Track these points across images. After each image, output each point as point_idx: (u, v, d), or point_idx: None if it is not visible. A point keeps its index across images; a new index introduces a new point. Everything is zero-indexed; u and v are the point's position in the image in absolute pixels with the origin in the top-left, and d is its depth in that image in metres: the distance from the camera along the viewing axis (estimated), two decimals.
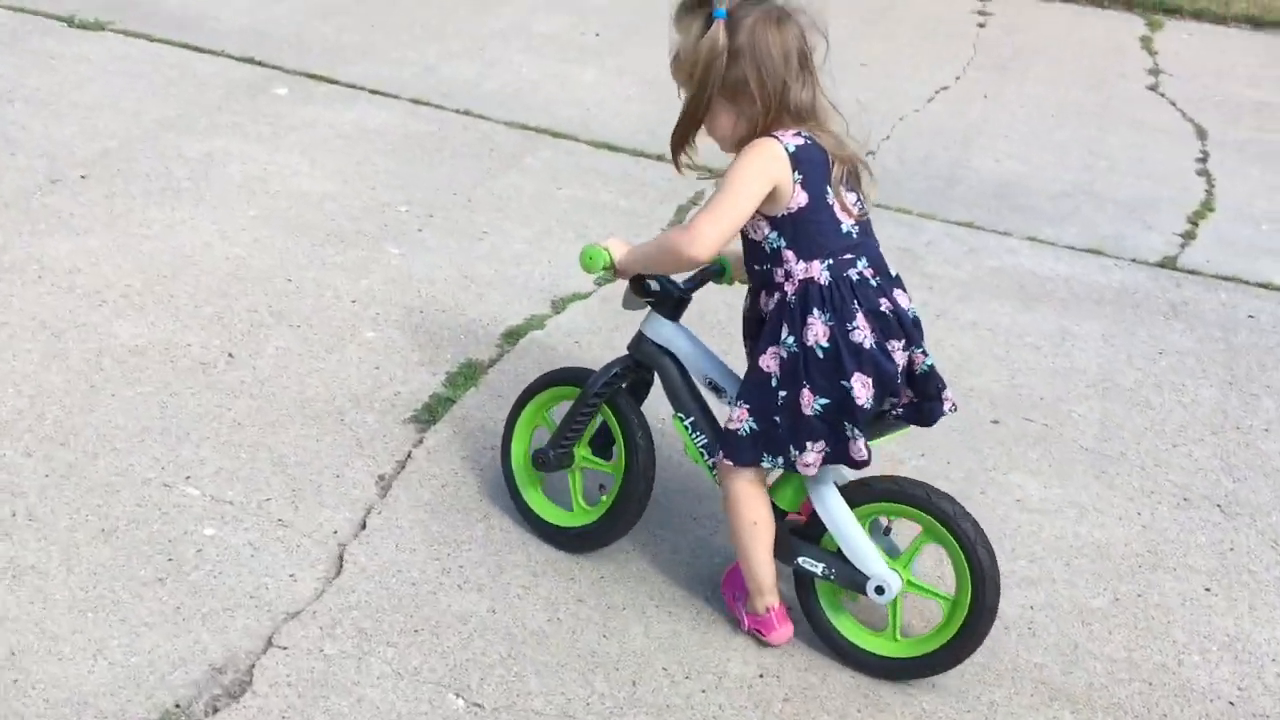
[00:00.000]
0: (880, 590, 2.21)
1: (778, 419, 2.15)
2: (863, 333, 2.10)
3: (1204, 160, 5.12)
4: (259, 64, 5.05)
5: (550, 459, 2.48)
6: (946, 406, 2.20)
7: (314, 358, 3.09)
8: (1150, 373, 3.41)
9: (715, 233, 2.11)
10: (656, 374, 2.41)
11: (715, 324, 3.29)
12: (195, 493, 2.57)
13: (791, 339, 2.12)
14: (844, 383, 2.09)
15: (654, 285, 2.34)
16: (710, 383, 2.36)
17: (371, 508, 2.59)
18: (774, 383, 2.15)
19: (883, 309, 2.12)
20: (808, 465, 2.15)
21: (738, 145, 2.15)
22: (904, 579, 2.24)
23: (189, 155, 4.14)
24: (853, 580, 2.24)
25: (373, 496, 2.62)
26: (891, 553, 2.28)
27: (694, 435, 2.34)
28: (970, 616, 2.19)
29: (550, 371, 2.59)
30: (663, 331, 2.37)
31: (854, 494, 2.25)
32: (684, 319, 2.42)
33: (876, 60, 6.05)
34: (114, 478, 2.58)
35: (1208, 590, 2.59)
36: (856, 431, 2.11)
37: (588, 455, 2.52)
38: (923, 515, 2.21)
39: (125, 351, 3.02)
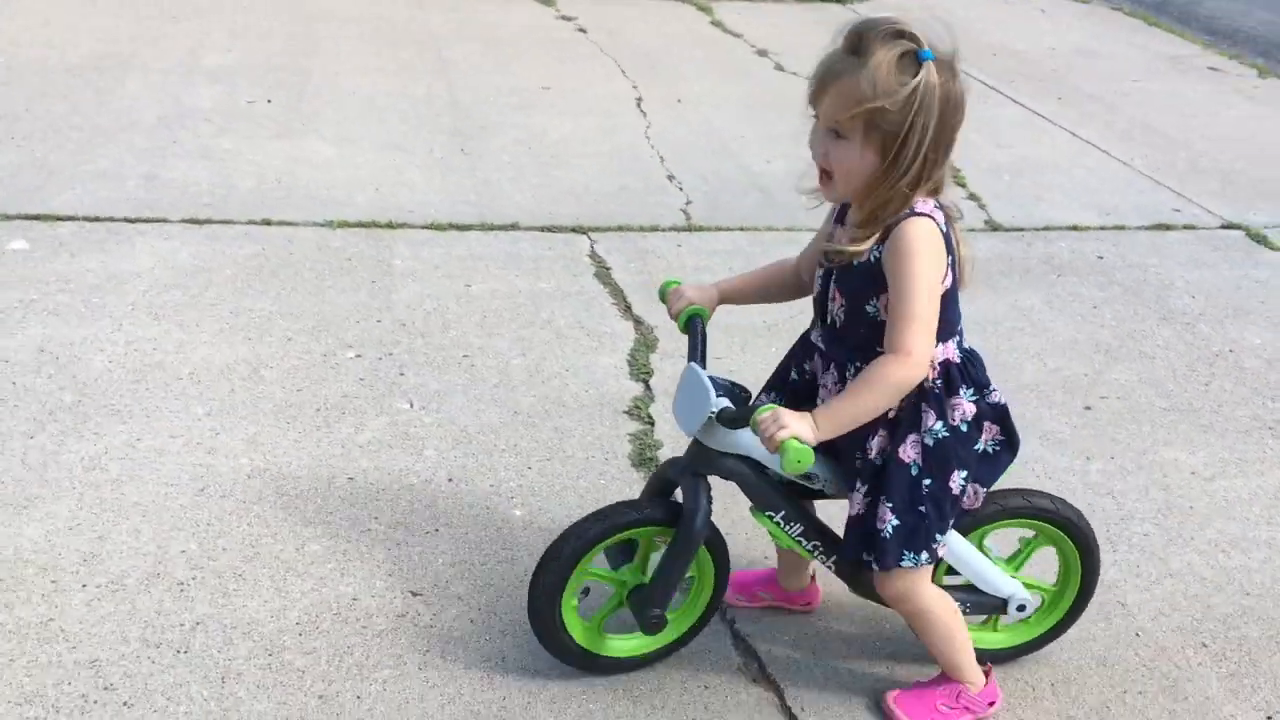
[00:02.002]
0: (1021, 608, 2.27)
1: (923, 509, 2.05)
2: (997, 393, 2.10)
3: None
4: None
5: (662, 620, 2.19)
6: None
7: None
8: None
9: (929, 344, 1.93)
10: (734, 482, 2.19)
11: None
12: None
13: (940, 424, 2.01)
14: (978, 448, 2.08)
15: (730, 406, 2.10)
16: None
17: None
18: (915, 471, 2.03)
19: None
20: (945, 546, 2.12)
21: (858, 195, 1.95)
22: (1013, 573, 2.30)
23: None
24: (992, 607, 2.27)
25: None
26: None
27: (788, 528, 2.17)
28: (1077, 601, 2.34)
29: (588, 522, 2.17)
30: (728, 439, 2.11)
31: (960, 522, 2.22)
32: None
33: (558, 82, 5.92)
34: None
35: None
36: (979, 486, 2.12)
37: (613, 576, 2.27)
38: (1034, 523, 2.26)
39: None
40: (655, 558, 2.20)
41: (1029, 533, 2.31)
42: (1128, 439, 3.19)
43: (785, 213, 4.46)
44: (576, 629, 2.22)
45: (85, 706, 2.09)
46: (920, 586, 2.10)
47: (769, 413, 1.89)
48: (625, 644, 2.27)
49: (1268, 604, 2.60)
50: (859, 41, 1.85)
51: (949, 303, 1.97)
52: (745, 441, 2.08)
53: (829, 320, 2.06)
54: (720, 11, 7.64)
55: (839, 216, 2.08)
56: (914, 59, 1.82)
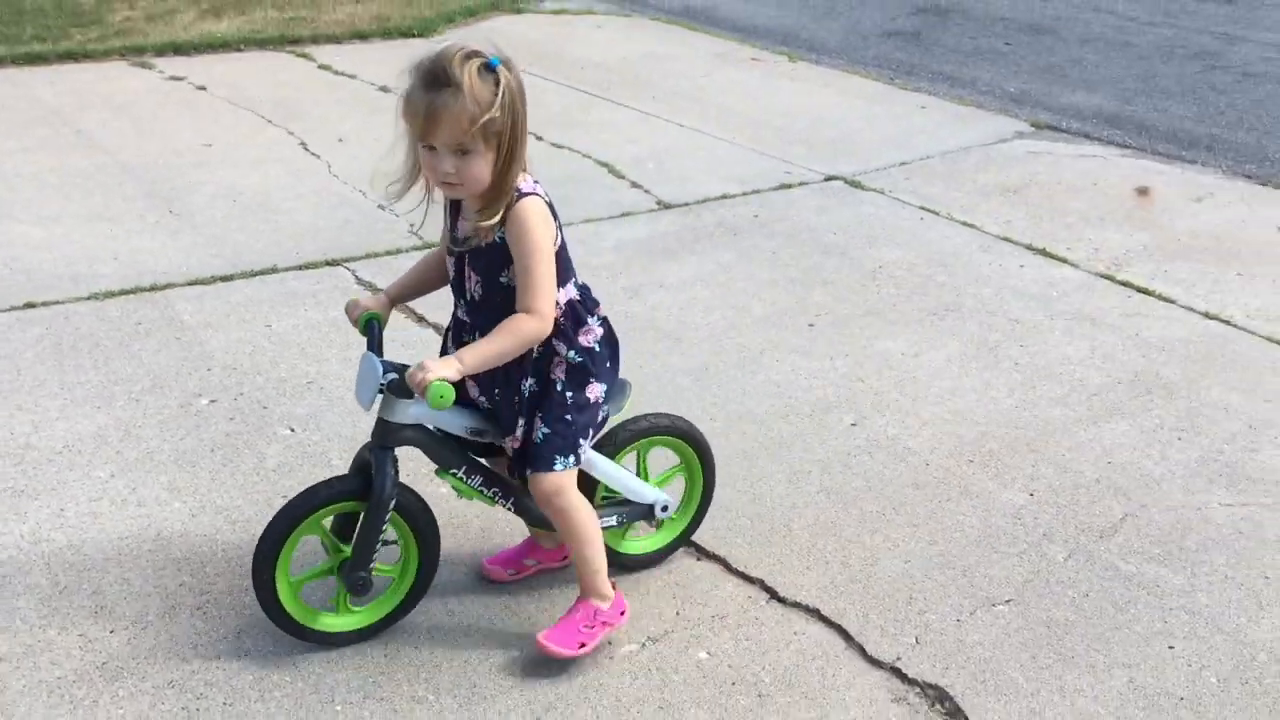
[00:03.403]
0: (665, 508, 2.75)
1: (569, 418, 2.43)
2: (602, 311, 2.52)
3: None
4: None
5: (367, 580, 2.47)
6: None
7: None
8: None
9: (552, 301, 2.32)
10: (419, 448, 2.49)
11: None
12: None
13: (572, 351, 2.42)
14: (613, 365, 2.52)
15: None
16: (470, 430, 2.51)
17: None
18: (559, 388, 2.42)
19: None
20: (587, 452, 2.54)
21: (486, 192, 2.27)
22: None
23: None
24: (641, 513, 2.74)
25: None
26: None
27: (470, 480, 2.50)
28: (703, 498, 2.88)
29: (303, 496, 2.45)
30: (409, 410, 2.40)
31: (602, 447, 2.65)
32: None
33: (215, 138, 6.04)
34: None
35: None
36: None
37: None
38: (665, 439, 2.78)
39: None
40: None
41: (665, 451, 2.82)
42: (849, 340, 4.14)
43: None
44: (291, 604, 2.47)
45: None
46: (568, 488, 2.45)
47: (414, 366, 2.23)
48: (340, 620, 2.54)
49: (992, 426, 3.62)
50: (442, 73, 2.17)
51: (562, 256, 2.38)
52: (416, 411, 2.41)
53: (468, 297, 2.42)
54: (320, 56, 7.96)
55: (454, 211, 2.43)
56: (489, 68, 2.19)
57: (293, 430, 3.39)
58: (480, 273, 2.37)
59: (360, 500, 2.44)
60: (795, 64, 8.25)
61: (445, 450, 2.49)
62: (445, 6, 9.49)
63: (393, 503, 2.41)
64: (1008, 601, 2.81)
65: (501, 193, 2.27)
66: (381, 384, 2.35)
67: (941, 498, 3.23)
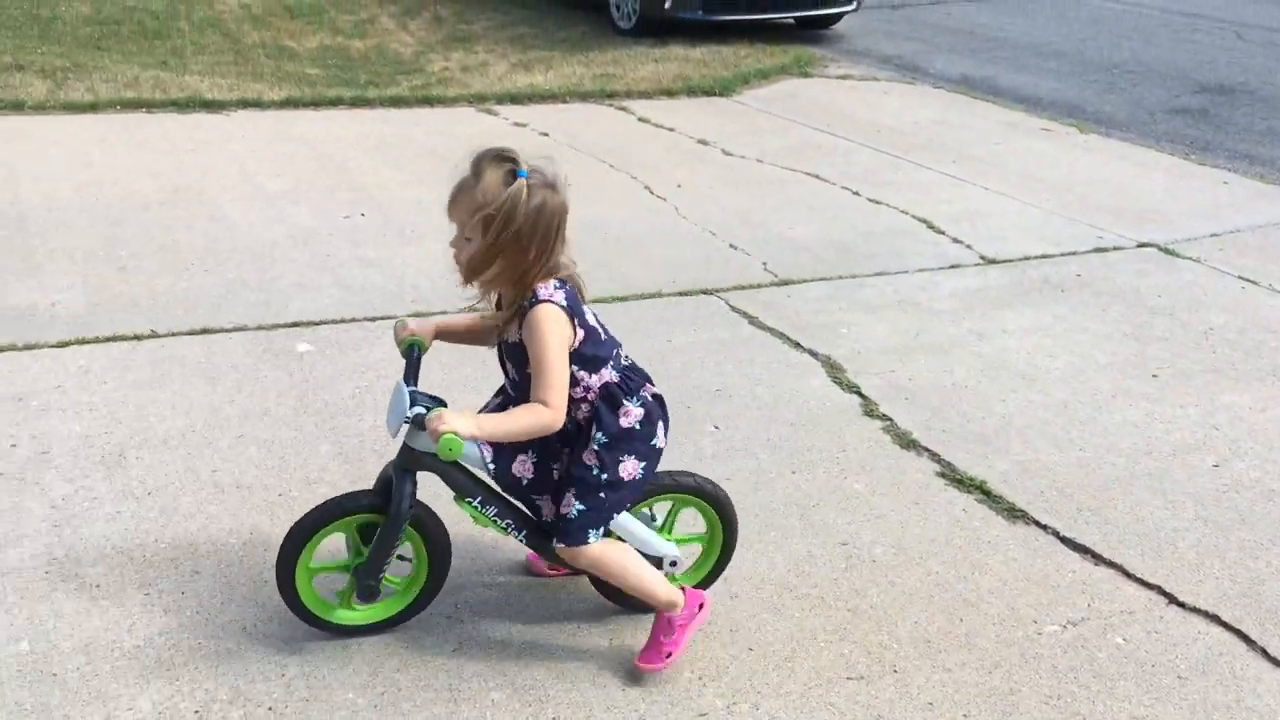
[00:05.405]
0: (674, 563, 2.83)
1: (603, 495, 2.61)
2: (651, 387, 2.71)
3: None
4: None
5: (375, 589, 2.71)
6: None
7: None
8: None
9: (564, 396, 2.50)
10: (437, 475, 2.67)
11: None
12: None
13: (601, 434, 2.58)
14: (655, 442, 2.66)
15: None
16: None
17: None
18: (595, 471, 2.59)
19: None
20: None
21: (494, 285, 2.52)
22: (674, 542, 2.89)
23: None
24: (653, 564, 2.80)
25: None
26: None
27: (485, 510, 2.68)
28: (724, 547, 2.99)
29: (326, 506, 2.69)
30: (427, 441, 2.53)
31: None
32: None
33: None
34: None
35: None
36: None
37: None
38: (676, 496, 2.88)
39: None
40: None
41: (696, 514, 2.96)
42: (1195, 392, 4.44)
43: (871, 262, 5.57)
44: (310, 598, 2.73)
45: None
46: (593, 548, 2.65)
47: (436, 413, 2.41)
48: (355, 615, 2.79)
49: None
50: (477, 166, 2.43)
51: (590, 346, 2.55)
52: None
53: (509, 376, 2.68)
54: (636, 110, 8.72)
55: (499, 303, 2.62)
56: (514, 176, 2.40)
57: (717, 428, 3.95)
58: (512, 364, 2.63)
59: (380, 514, 2.67)
60: (1086, 135, 8.53)
61: (462, 479, 2.66)
62: (739, 69, 10.18)
63: (407, 520, 2.64)
64: None
65: (518, 294, 2.51)
66: (408, 417, 2.54)
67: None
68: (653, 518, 2.93)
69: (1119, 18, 13.71)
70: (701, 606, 2.82)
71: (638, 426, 2.62)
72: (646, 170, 7.09)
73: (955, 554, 3.34)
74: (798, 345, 4.66)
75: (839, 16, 12.25)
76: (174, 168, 6.49)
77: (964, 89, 10.00)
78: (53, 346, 4.21)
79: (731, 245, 5.81)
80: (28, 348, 4.19)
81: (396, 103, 8.51)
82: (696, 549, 3.02)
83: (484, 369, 4.06)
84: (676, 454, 3.74)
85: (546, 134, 7.82)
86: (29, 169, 6.26)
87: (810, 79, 10.12)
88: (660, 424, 2.69)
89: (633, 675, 2.77)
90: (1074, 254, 5.99)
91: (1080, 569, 3.29)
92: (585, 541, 2.63)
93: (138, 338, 4.33)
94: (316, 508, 2.69)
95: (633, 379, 2.66)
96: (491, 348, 2.73)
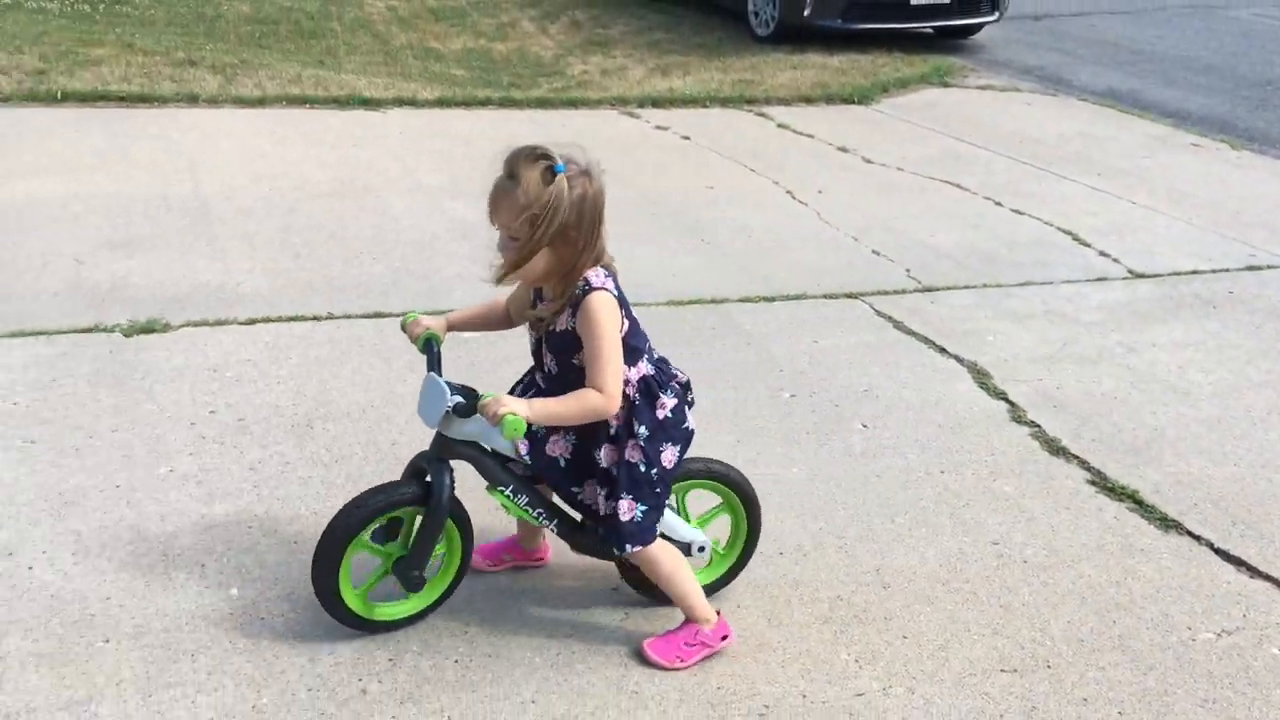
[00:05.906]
0: (701, 549, 2.91)
1: (659, 490, 2.68)
2: (680, 374, 2.79)
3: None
4: None
5: (420, 578, 2.75)
6: None
7: None
8: None
9: (619, 381, 2.55)
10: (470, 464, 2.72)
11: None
12: None
13: (643, 428, 2.63)
14: (687, 425, 2.74)
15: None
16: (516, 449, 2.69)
17: None
18: (643, 468, 2.64)
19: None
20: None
21: (542, 279, 2.56)
22: (699, 526, 2.96)
23: None
24: (680, 550, 2.85)
25: None
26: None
27: (517, 499, 2.72)
28: (748, 538, 3.04)
29: (358, 503, 2.70)
30: (465, 428, 2.64)
31: None
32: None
33: (717, 183, 6.93)
34: None
35: None
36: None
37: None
38: (704, 482, 2.94)
39: None
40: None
41: (704, 492, 2.99)
42: None
43: (1016, 272, 5.60)
44: (352, 599, 2.73)
45: None
46: (655, 551, 2.74)
47: (491, 398, 2.47)
48: (395, 609, 2.83)
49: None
50: (513, 167, 2.45)
51: (633, 337, 2.62)
52: (475, 431, 2.64)
53: (545, 370, 2.71)
54: (775, 116, 8.82)
55: (538, 294, 2.68)
56: (552, 172, 2.42)
57: (865, 426, 4.05)
58: (555, 353, 2.65)
59: (413, 506, 2.71)
60: (1238, 152, 8.36)
61: (497, 468, 2.71)
62: (878, 77, 10.21)
63: (449, 510, 2.68)
64: None
65: (568, 284, 2.54)
66: (448, 407, 2.59)
67: None
68: (674, 506, 2.97)
69: (1272, 32, 13.32)
70: (724, 638, 2.86)
71: (671, 415, 2.69)
72: (787, 175, 7.19)
73: (1107, 559, 3.38)
74: (943, 350, 4.72)
75: (979, 27, 12.16)
76: (339, 161, 6.83)
77: (1109, 102, 9.86)
78: (241, 324, 4.51)
79: (874, 251, 5.88)
80: (219, 323, 4.50)
81: (541, 104, 8.76)
82: (720, 536, 3.05)
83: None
84: (825, 449, 3.86)
85: (688, 138, 7.98)
86: (206, 160, 6.65)
87: (950, 89, 10.09)
88: (686, 408, 2.76)
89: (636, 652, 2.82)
90: (1226, 271, 5.92)
91: (1235, 580, 3.31)
92: (655, 538, 2.71)
93: (316, 318, 4.61)
94: (356, 502, 2.68)
95: (665, 371, 2.73)
96: (495, 330, 2.84)
